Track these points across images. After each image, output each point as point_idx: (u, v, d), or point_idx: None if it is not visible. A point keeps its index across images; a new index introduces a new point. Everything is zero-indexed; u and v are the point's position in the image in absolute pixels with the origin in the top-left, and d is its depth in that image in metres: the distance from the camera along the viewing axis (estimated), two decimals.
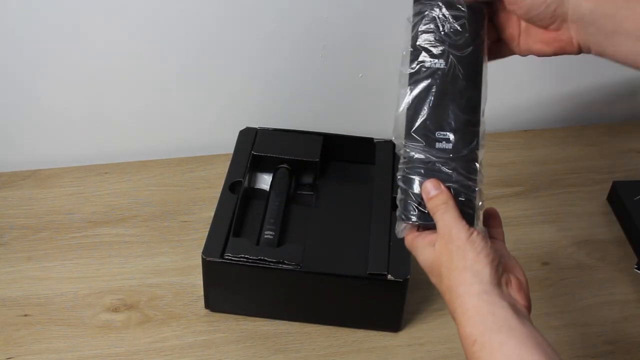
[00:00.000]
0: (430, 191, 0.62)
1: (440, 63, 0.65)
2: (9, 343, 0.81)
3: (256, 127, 0.95)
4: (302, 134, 0.95)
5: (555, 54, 0.66)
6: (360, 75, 1.06)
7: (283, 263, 0.78)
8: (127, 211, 0.97)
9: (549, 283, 0.90)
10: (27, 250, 0.91)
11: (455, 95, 0.65)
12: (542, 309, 0.86)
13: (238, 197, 0.85)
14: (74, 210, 0.98)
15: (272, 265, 0.78)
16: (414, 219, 0.64)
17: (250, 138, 0.94)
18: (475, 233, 0.60)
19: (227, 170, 0.89)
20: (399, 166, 0.65)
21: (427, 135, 0.64)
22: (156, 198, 0.99)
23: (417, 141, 0.64)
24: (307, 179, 0.93)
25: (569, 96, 1.17)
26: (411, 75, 0.65)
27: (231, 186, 0.87)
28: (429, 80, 0.65)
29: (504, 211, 0.99)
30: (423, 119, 0.64)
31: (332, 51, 1.04)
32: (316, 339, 0.82)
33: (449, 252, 0.60)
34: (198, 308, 0.85)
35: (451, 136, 0.64)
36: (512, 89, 1.14)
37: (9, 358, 0.79)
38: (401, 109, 0.65)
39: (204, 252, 0.79)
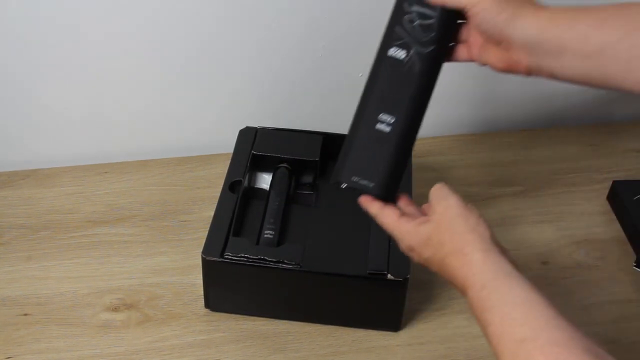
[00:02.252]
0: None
1: (401, 54, 0.72)
2: (9, 342, 0.81)
3: (256, 126, 0.95)
4: (302, 133, 0.95)
5: (505, 71, 0.70)
6: (360, 74, 1.06)
7: (283, 262, 0.78)
8: (126, 211, 0.97)
9: (549, 282, 0.90)
10: (27, 250, 0.91)
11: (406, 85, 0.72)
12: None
13: (238, 197, 0.85)
14: (73, 209, 0.98)
15: (272, 265, 0.78)
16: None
17: (250, 137, 0.94)
18: (469, 203, 0.68)
19: (226, 170, 0.89)
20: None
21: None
22: (156, 198, 0.99)
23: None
24: (307, 179, 0.93)
25: (569, 95, 1.17)
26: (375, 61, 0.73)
27: (231, 186, 0.87)
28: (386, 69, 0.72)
29: (503, 210, 1.00)
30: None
31: (331, 50, 1.04)
32: (316, 338, 0.82)
33: (449, 220, 0.67)
34: (198, 308, 0.85)
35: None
36: (512, 88, 1.14)
37: (9, 357, 0.79)
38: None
39: (203, 252, 0.79)
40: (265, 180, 0.92)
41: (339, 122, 1.08)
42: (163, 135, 1.08)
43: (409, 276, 0.78)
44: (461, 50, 0.72)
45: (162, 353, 0.80)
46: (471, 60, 0.72)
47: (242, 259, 0.79)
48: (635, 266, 0.92)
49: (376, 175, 0.71)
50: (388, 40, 0.72)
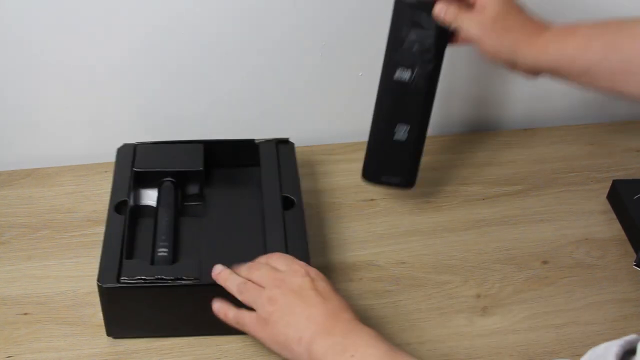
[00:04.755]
0: None
1: (406, 75, 0.84)
2: (9, 342, 0.81)
3: (134, 142, 0.93)
4: (182, 144, 0.93)
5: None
6: (360, 74, 1.06)
7: (181, 279, 0.76)
8: None
9: (549, 282, 0.90)
10: (27, 249, 0.91)
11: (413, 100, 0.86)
12: (542, 308, 0.86)
13: (126, 217, 0.83)
14: (73, 209, 0.97)
15: (171, 283, 0.76)
16: None
17: (129, 154, 0.91)
18: None
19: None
20: None
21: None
22: None
23: None
24: (194, 189, 0.91)
25: (568, 94, 1.17)
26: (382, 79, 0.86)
27: (116, 207, 0.84)
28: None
29: (503, 210, 1.00)
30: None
31: (331, 50, 1.04)
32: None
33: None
34: None
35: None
36: (512, 88, 1.14)
37: (9, 357, 0.79)
38: None
39: (99, 279, 0.76)
40: (150, 197, 0.89)
41: (339, 121, 1.10)
42: (163, 135, 1.07)
43: None
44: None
45: (161, 352, 0.80)
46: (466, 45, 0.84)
47: (139, 281, 0.76)
48: (635, 265, 0.92)
49: (401, 171, 0.91)
50: (390, 67, 0.84)
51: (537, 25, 0.80)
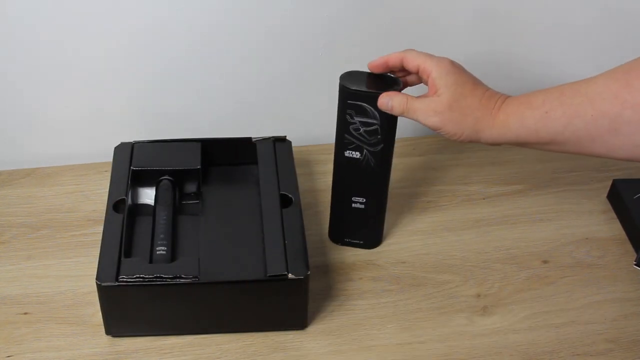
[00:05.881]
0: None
1: (356, 154, 0.84)
2: (9, 341, 0.81)
3: (131, 141, 0.93)
4: (179, 142, 0.93)
5: None
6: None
7: (180, 277, 0.76)
8: None
9: (549, 281, 0.90)
10: (27, 249, 0.91)
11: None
12: (542, 307, 0.86)
13: (124, 216, 0.83)
14: (73, 208, 0.97)
15: (170, 282, 0.76)
16: None
17: (126, 153, 0.91)
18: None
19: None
20: None
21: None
22: None
23: None
24: (191, 188, 0.91)
25: None
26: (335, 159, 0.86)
27: (115, 206, 0.85)
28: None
29: (503, 209, 1.00)
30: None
31: (331, 49, 1.04)
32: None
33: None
34: None
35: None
36: (512, 88, 1.14)
37: (9, 356, 0.79)
38: None
39: (97, 278, 0.76)
40: (148, 196, 0.90)
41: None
42: (163, 134, 1.07)
43: (309, 273, 0.77)
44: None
45: (162, 352, 0.80)
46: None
47: (138, 280, 0.76)
48: (635, 265, 0.92)
49: (362, 236, 0.91)
50: (341, 144, 0.84)
51: (493, 99, 0.78)
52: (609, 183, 1.02)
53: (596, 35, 1.10)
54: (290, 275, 0.77)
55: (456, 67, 0.79)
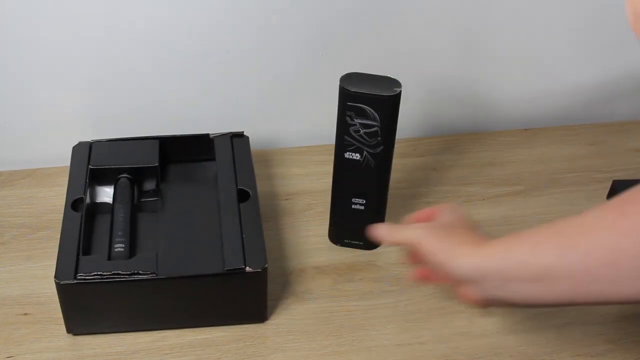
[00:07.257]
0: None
1: (356, 156, 0.84)
2: (9, 342, 0.81)
3: (89, 140, 0.94)
4: (137, 140, 0.94)
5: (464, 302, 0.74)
6: None
7: (138, 274, 0.77)
8: None
9: None
10: (27, 249, 0.91)
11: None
12: (542, 308, 0.86)
13: (82, 215, 0.83)
14: None
15: (128, 278, 0.76)
16: None
17: (84, 152, 0.92)
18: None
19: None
20: None
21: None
22: None
23: None
24: (150, 185, 0.91)
25: (569, 95, 1.17)
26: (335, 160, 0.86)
27: (73, 204, 0.85)
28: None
29: (503, 210, 1.00)
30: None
31: (331, 51, 1.04)
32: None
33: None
34: None
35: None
36: (512, 88, 1.14)
37: (9, 357, 0.79)
38: None
39: (56, 276, 0.76)
40: (107, 194, 0.90)
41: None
42: (162, 134, 1.08)
43: (267, 266, 0.78)
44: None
45: (162, 352, 0.80)
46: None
47: (96, 277, 0.76)
48: None
49: (362, 237, 0.88)
50: (341, 146, 0.84)
51: (484, 239, 0.71)
52: (609, 184, 1.01)
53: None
54: (247, 269, 0.77)
55: (461, 214, 0.76)
